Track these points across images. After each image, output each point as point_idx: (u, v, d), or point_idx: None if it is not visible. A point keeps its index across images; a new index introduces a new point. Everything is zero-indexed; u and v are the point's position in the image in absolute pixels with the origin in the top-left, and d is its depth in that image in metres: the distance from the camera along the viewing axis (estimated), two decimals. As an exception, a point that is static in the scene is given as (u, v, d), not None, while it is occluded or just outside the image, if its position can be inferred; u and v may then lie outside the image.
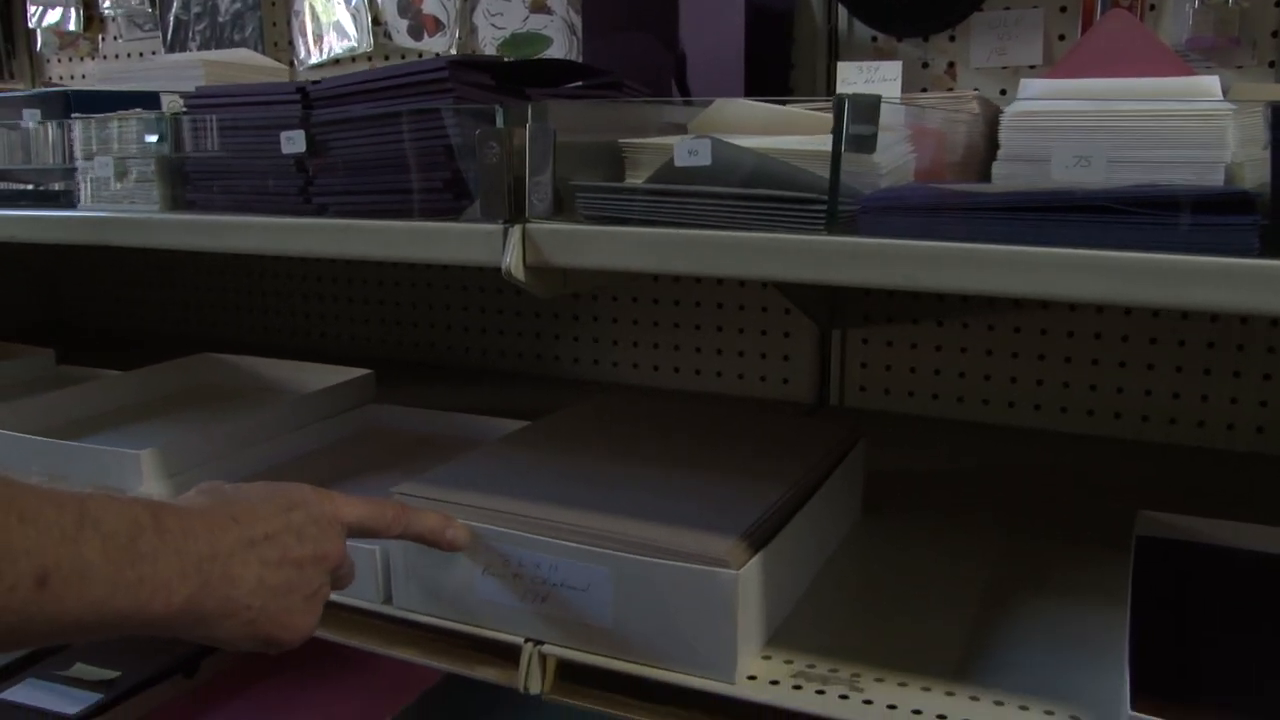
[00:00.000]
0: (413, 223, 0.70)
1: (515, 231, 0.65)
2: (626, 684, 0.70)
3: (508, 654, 0.73)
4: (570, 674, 0.72)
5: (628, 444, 0.86)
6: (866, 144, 0.57)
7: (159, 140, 0.82)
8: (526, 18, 1.36)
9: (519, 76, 0.78)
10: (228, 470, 0.98)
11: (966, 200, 0.56)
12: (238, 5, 1.54)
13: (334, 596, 0.78)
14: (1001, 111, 0.73)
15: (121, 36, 1.68)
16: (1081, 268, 0.53)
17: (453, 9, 1.40)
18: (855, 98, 0.56)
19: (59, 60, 1.76)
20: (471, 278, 1.52)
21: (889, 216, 0.57)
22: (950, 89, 1.17)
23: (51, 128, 0.98)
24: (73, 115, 0.90)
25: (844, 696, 0.65)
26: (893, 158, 0.68)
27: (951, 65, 1.17)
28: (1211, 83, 0.74)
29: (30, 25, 1.76)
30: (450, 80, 0.70)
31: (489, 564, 0.72)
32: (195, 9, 1.58)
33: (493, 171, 0.66)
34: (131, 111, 0.86)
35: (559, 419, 0.94)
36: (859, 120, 0.57)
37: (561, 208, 0.66)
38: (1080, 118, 0.72)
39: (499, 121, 0.65)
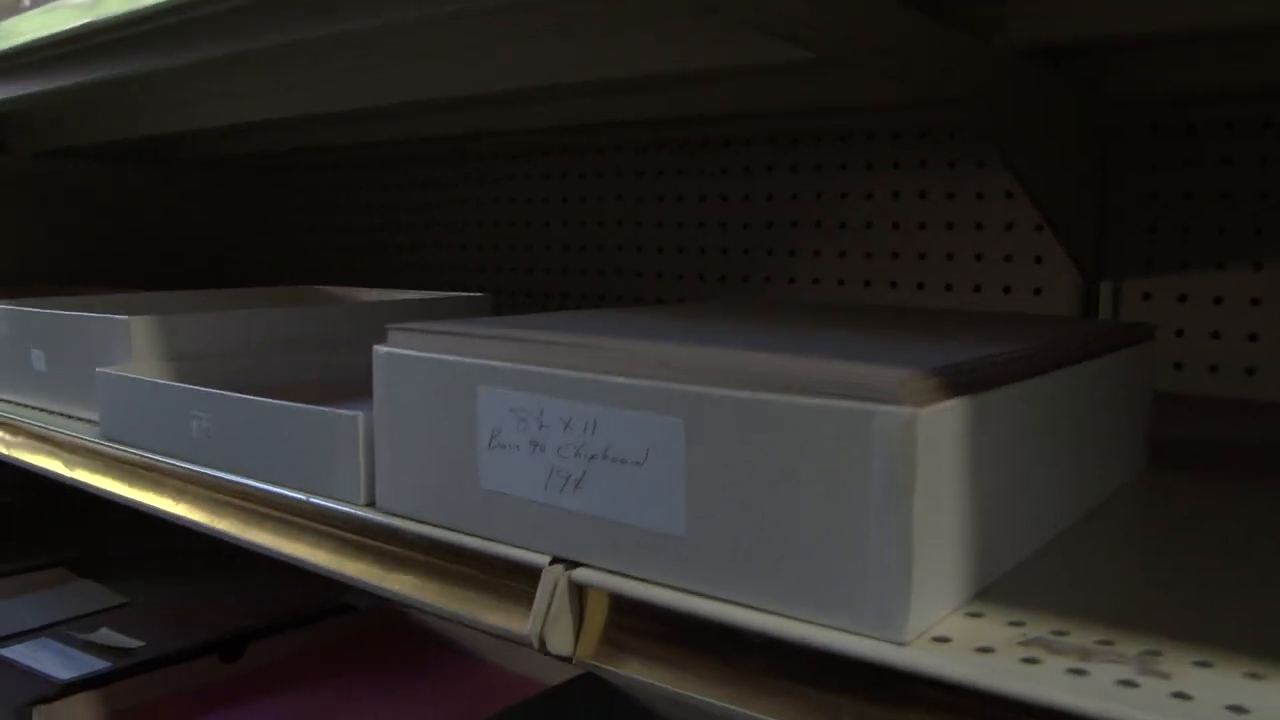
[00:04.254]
0: None
1: None
2: (712, 641, 0.39)
3: (520, 580, 0.43)
4: (623, 619, 0.42)
5: (774, 318, 0.56)
6: None
7: None
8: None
9: None
10: (258, 366, 0.74)
11: None
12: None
13: (300, 495, 0.53)
14: None
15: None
16: None
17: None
18: None
19: None
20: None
21: None
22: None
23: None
24: None
25: (1129, 683, 0.31)
26: None
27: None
28: None
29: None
30: None
31: (498, 427, 0.43)
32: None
33: None
34: None
35: (701, 303, 0.65)
36: None
37: None
38: None
39: None
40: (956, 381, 0.36)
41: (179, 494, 0.63)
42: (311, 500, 0.53)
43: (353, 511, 0.51)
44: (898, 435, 0.33)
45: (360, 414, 0.50)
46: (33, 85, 1.02)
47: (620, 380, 0.39)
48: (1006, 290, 1.00)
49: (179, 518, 0.62)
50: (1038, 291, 0.98)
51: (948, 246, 1.02)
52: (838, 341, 0.43)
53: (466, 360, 0.44)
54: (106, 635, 0.91)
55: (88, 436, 0.69)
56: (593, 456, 0.40)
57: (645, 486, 0.39)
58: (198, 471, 0.60)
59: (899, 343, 0.43)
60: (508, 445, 0.43)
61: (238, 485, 0.58)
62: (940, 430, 0.34)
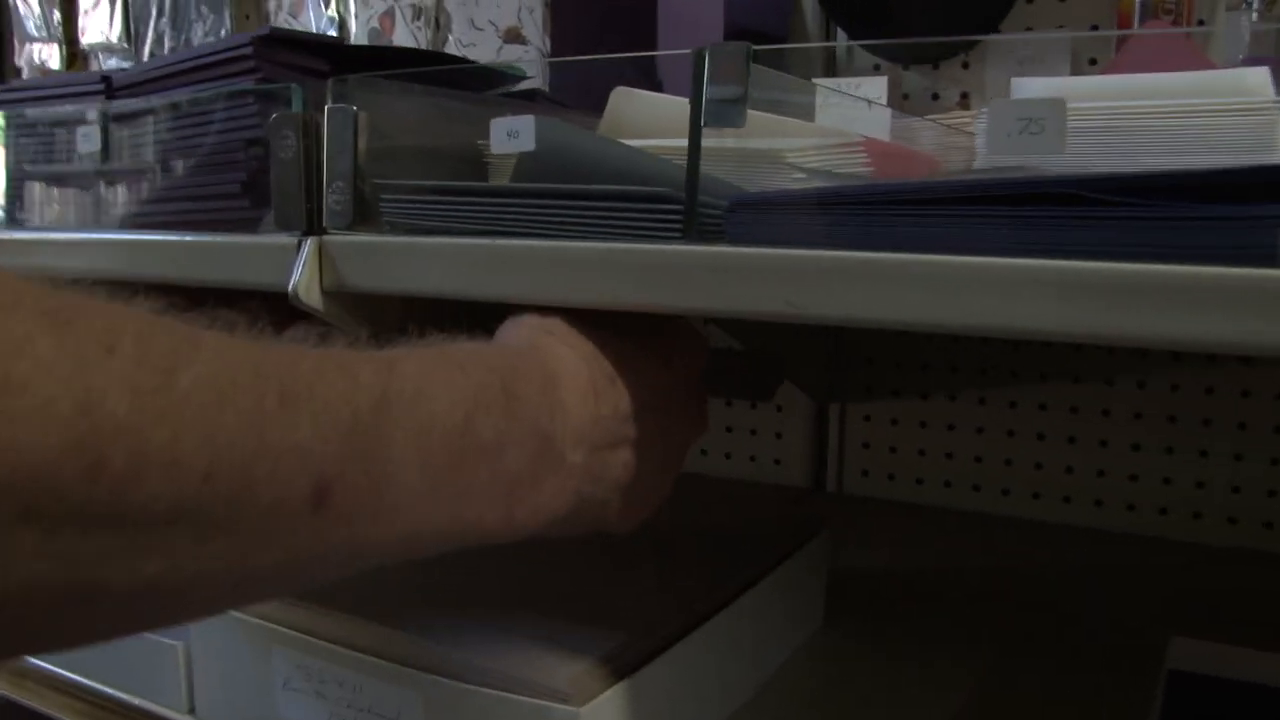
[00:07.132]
0: (202, 236, 0.55)
1: (310, 245, 0.50)
2: None
3: (311, 799, 0.56)
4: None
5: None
6: (729, 114, 0.41)
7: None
8: (500, 49, 1.23)
9: (373, 67, 0.63)
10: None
11: (885, 192, 0.39)
12: (210, 39, 1.44)
13: (130, 698, 0.64)
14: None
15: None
16: (1056, 283, 0.36)
17: (424, 39, 1.28)
18: (717, 47, 0.40)
19: (42, 101, 1.69)
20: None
21: (770, 217, 0.40)
22: (964, 123, 1.01)
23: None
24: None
25: None
26: (819, 159, 0.51)
27: (965, 96, 1.01)
28: (1259, 77, 0.57)
29: (18, 63, 1.69)
30: (254, 58, 0.55)
31: (289, 676, 0.56)
32: (170, 44, 1.49)
33: (287, 169, 0.51)
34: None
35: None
36: (721, 78, 0.40)
37: (369, 215, 0.51)
38: (1089, 115, 0.55)
39: (295, 105, 0.51)
40: (623, 663, 0.50)
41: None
42: (134, 701, 0.65)
43: (176, 717, 0.62)
44: (568, 725, 0.47)
45: (179, 643, 0.61)
46: None
47: (374, 661, 0.52)
48: (754, 406, 1.16)
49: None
50: (780, 409, 1.15)
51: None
52: (557, 596, 0.57)
53: (261, 623, 0.56)
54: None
55: None
56: (361, 710, 0.53)
57: (401, 737, 0.52)
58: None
59: (596, 598, 0.57)
60: (299, 689, 0.55)
61: (74, 682, 0.68)
62: (600, 713, 0.49)
